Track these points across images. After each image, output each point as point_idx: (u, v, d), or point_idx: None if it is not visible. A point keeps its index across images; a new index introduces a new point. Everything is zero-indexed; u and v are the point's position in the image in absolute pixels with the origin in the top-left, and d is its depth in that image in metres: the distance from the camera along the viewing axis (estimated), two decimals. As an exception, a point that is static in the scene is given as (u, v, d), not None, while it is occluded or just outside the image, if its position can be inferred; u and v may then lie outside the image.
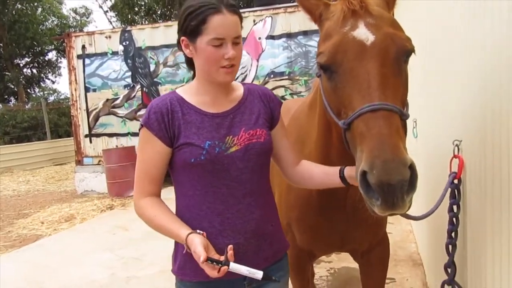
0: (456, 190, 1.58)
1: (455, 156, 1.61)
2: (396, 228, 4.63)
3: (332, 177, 1.44)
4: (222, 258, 1.25)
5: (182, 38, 1.41)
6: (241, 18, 1.42)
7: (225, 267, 1.24)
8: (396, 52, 1.19)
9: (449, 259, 1.60)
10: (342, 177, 1.41)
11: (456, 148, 1.62)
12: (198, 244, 1.25)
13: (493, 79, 1.21)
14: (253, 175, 1.45)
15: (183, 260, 1.45)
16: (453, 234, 1.59)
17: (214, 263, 1.23)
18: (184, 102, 1.44)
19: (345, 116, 1.20)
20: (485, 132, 1.32)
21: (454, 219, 1.58)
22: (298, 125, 1.89)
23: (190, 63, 1.49)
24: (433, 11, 2.33)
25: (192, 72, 1.53)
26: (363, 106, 1.12)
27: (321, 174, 1.48)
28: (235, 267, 1.25)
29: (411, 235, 4.36)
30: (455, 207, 1.58)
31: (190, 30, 1.36)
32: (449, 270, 1.62)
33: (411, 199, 1.06)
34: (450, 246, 1.60)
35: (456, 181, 1.58)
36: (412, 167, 1.03)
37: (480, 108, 1.36)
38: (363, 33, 1.20)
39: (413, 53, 1.24)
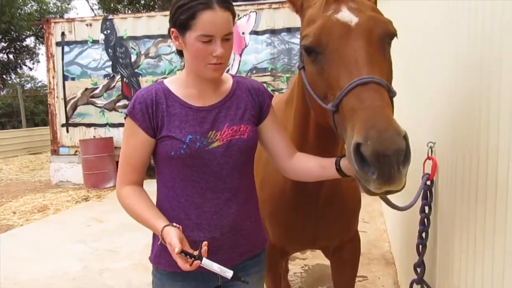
0: (428, 192, 1.61)
1: (428, 158, 1.64)
2: (371, 227, 4.71)
3: (328, 170, 1.43)
4: (196, 252, 1.25)
5: (172, 29, 1.38)
6: (233, 14, 1.38)
7: (198, 261, 1.24)
8: (380, 34, 1.20)
9: (419, 258, 1.63)
10: (338, 169, 1.40)
11: (430, 150, 1.65)
12: (173, 236, 1.25)
13: (464, 84, 1.24)
14: (233, 171, 1.45)
15: (159, 249, 1.47)
16: (423, 235, 1.62)
17: (188, 256, 1.24)
18: (170, 94, 1.43)
19: (332, 98, 1.17)
20: (456, 135, 1.34)
21: (425, 220, 1.61)
22: None
23: (181, 52, 1.47)
24: (408, 19, 2.36)
25: (182, 63, 1.52)
26: (352, 81, 1.10)
27: (317, 168, 1.47)
28: (207, 263, 1.26)
29: (385, 234, 4.44)
30: (426, 208, 1.61)
31: (180, 23, 1.33)
32: (418, 269, 1.65)
33: (406, 174, 1.03)
34: (420, 246, 1.63)
35: (429, 183, 1.61)
36: (405, 138, 1.00)
37: (453, 112, 1.39)
38: (346, 15, 1.21)
39: (395, 37, 1.25)
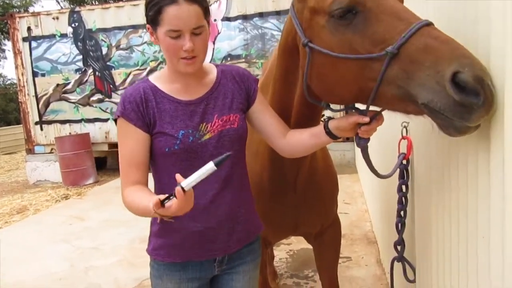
0: (404, 171, 1.64)
1: (403, 138, 1.67)
2: (353, 208, 4.79)
3: (319, 136, 1.42)
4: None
5: (147, 25, 1.39)
6: (203, 7, 1.34)
7: (178, 188, 1.14)
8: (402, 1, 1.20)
9: (399, 237, 1.67)
10: (328, 132, 1.38)
11: (405, 129, 1.68)
12: (154, 200, 1.18)
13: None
14: (227, 161, 1.45)
15: (156, 241, 1.49)
16: (402, 213, 1.66)
17: (170, 197, 1.15)
18: (157, 90, 1.44)
19: (384, 46, 1.07)
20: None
21: (403, 198, 1.65)
22: None
23: None
24: None
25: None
26: (414, 24, 1.03)
27: (309, 138, 1.46)
28: (188, 181, 1.16)
29: (366, 215, 4.52)
30: (403, 187, 1.65)
31: (150, 19, 1.34)
32: (398, 247, 1.69)
33: None
34: (399, 225, 1.67)
35: (404, 162, 1.64)
36: None
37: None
38: None
39: None
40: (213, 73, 1.52)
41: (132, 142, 1.41)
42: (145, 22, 1.39)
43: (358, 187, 5.55)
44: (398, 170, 1.64)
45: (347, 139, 6.86)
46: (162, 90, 1.44)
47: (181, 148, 1.39)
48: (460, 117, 0.94)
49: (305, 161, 1.73)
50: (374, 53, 1.09)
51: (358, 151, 6.08)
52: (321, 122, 1.44)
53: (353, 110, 1.32)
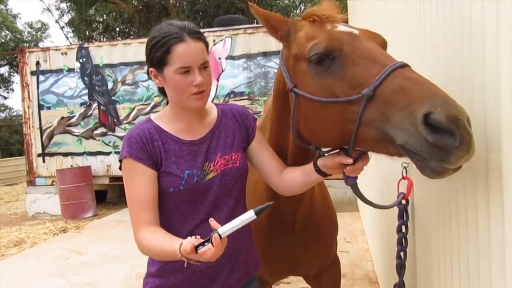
0: (404, 211, 1.64)
1: (403, 178, 1.68)
2: (354, 246, 4.72)
3: (311, 174, 1.44)
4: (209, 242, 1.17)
5: (151, 69, 1.42)
6: (206, 44, 1.43)
7: (216, 236, 1.14)
8: (380, 42, 1.25)
9: (399, 279, 1.65)
10: (317, 170, 1.40)
11: (405, 170, 1.69)
12: (185, 243, 1.17)
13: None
14: (229, 200, 1.48)
15: (154, 282, 1.48)
16: (402, 255, 1.64)
17: (205, 244, 1.14)
18: (161, 130, 1.45)
19: (360, 90, 1.09)
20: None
21: (402, 239, 1.63)
22: None
23: (162, 90, 1.49)
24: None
25: (166, 99, 1.53)
26: (388, 66, 1.05)
27: (300, 176, 1.48)
28: (225, 228, 1.16)
29: (367, 254, 4.45)
30: (403, 227, 1.64)
31: (156, 61, 1.37)
32: None
33: None
34: (399, 267, 1.65)
35: (404, 202, 1.64)
36: None
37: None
38: (347, 28, 1.25)
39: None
40: (213, 112, 1.56)
41: (143, 181, 1.39)
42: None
43: (359, 225, 5.49)
44: (397, 210, 1.63)
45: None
46: (166, 130, 1.46)
47: (186, 188, 1.40)
48: (439, 159, 0.93)
49: (303, 201, 1.72)
50: (351, 96, 1.11)
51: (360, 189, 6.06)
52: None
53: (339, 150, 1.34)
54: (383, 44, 1.28)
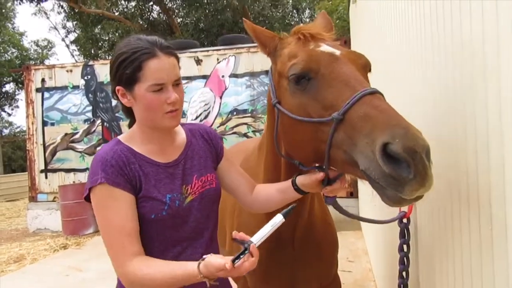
0: (405, 230, 1.63)
1: None
2: (356, 266, 4.67)
3: (288, 192, 1.43)
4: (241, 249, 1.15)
5: (117, 88, 1.30)
6: (178, 59, 1.34)
7: (254, 245, 1.12)
8: (362, 63, 1.27)
9: None
10: (296, 188, 1.39)
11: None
12: (213, 261, 1.12)
13: (437, 119, 1.30)
14: (208, 222, 1.43)
15: None
16: (404, 274, 1.62)
17: (240, 256, 1.12)
18: (135, 153, 1.33)
19: (331, 113, 1.13)
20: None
21: (404, 258, 1.62)
22: (248, 167, 1.91)
23: (127, 111, 1.39)
24: (387, 52, 2.46)
25: (129, 120, 1.43)
26: (358, 92, 1.09)
27: (276, 193, 1.46)
28: (258, 236, 1.14)
29: (370, 274, 4.40)
30: (405, 247, 1.62)
31: (126, 78, 1.26)
32: None
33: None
34: (402, 286, 1.63)
35: (405, 221, 1.63)
36: None
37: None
38: (329, 48, 1.28)
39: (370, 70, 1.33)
40: (182, 133, 1.48)
41: (123, 208, 1.25)
42: None
43: (362, 244, 5.43)
44: (399, 229, 1.63)
45: (351, 195, 6.81)
46: (139, 153, 1.33)
47: (168, 213, 1.30)
48: (394, 189, 0.96)
49: (302, 216, 1.71)
50: (324, 118, 1.16)
51: (362, 208, 6.02)
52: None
53: (316, 170, 1.36)
54: (365, 65, 1.30)
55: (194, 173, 1.41)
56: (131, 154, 1.32)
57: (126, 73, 1.26)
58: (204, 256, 1.17)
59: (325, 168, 1.26)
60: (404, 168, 0.92)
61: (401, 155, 0.91)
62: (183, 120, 1.47)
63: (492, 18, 0.82)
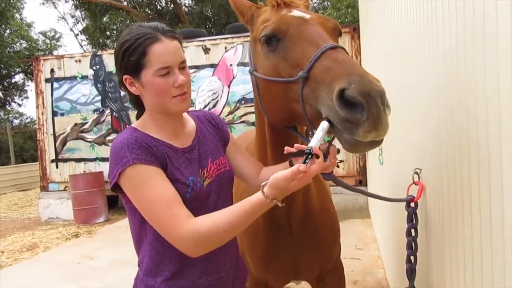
0: (413, 214, 1.61)
1: (415, 183, 1.67)
2: (365, 254, 4.68)
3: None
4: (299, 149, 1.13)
5: (125, 77, 1.30)
6: (180, 42, 1.34)
7: (316, 148, 1.10)
8: (331, 27, 1.33)
9: (410, 283, 1.61)
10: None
11: (416, 175, 1.68)
12: (278, 176, 1.09)
13: (452, 108, 1.28)
14: (226, 204, 1.41)
15: None
16: (412, 259, 1.61)
17: (306, 161, 1.09)
18: (154, 138, 1.32)
19: (299, 70, 1.20)
20: (442, 161, 1.38)
21: (412, 243, 1.61)
22: (250, 152, 1.94)
23: (135, 101, 1.39)
24: (397, 40, 2.43)
25: (137, 111, 1.43)
26: (321, 48, 1.16)
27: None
28: (314, 142, 1.11)
29: (379, 261, 4.41)
30: (413, 231, 1.61)
31: (132, 66, 1.27)
32: None
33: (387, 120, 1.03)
34: (410, 271, 1.62)
35: (413, 205, 1.62)
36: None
37: (439, 137, 1.43)
38: (300, 13, 1.35)
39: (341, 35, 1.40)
40: (190, 119, 1.49)
41: (160, 180, 1.24)
42: None
43: (370, 232, 5.44)
44: (406, 214, 1.62)
45: (360, 183, 6.81)
46: (157, 138, 1.33)
47: (192, 196, 1.30)
48: (349, 132, 1.03)
49: (296, 201, 1.71)
50: (292, 77, 1.23)
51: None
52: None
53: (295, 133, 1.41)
54: (334, 28, 1.36)
55: (208, 157, 1.43)
56: (151, 139, 1.32)
57: (132, 60, 1.26)
58: (263, 183, 1.15)
59: (310, 129, 1.26)
60: (359, 111, 0.99)
61: (356, 99, 0.98)
62: (191, 109, 1.47)
63: None
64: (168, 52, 1.26)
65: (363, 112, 0.98)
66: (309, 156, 1.10)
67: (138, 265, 1.43)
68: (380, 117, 0.98)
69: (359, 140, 1.03)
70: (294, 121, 1.38)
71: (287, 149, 1.15)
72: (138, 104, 1.40)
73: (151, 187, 1.22)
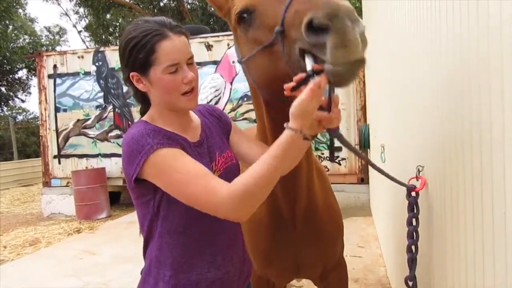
0: (414, 204, 1.59)
1: (416, 178, 1.66)
2: (367, 252, 4.68)
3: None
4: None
5: (132, 74, 1.29)
6: (187, 37, 1.33)
7: (314, 65, 1.07)
8: None
9: (410, 272, 1.58)
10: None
11: (418, 172, 1.68)
12: (294, 103, 1.06)
13: (453, 106, 1.28)
14: None
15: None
16: (413, 248, 1.58)
17: (311, 78, 1.05)
18: (167, 130, 1.32)
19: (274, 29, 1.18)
20: (445, 158, 1.37)
21: (413, 233, 1.58)
22: None
23: (142, 97, 1.38)
24: (400, 40, 2.43)
25: (141, 107, 1.42)
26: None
27: None
28: (309, 64, 1.09)
29: (380, 259, 4.41)
30: (414, 220, 1.59)
31: (140, 63, 1.25)
32: (410, 283, 1.58)
33: (363, 36, 1.01)
34: (411, 260, 1.59)
35: (414, 194, 1.59)
36: None
37: (441, 135, 1.43)
38: None
39: None
40: (193, 114, 1.48)
41: (187, 159, 1.22)
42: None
43: (372, 230, 5.44)
44: (407, 203, 1.61)
45: (362, 181, 6.80)
46: (169, 130, 1.32)
47: None
48: (321, 55, 1.02)
49: (300, 196, 1.71)
50: (271, 38, 1.21)
51: (373, 194, 6.01)
52: None
53: None
54: None
55: (215, 150, 1.43)
56: (166, 131, 1.31)
57: (140, 58, 1.25)
58: (285, 124, 1.11)
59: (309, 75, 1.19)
60: (324, 32, 0.98)
61: (323, 24, 0.97)
62: None
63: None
64: (176, 49, 1.26)
65: (329, 31, 0.96)
66: (313, 76, 1.06)
67: (145, 259, 1.43)
68: (346, 32, 0.95)
69: (334, 64, 0.98)
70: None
71: (286, 86, 1.12)
72: (143, 100, 1.39)
73: (179, 167, 1.19)
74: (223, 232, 1.38)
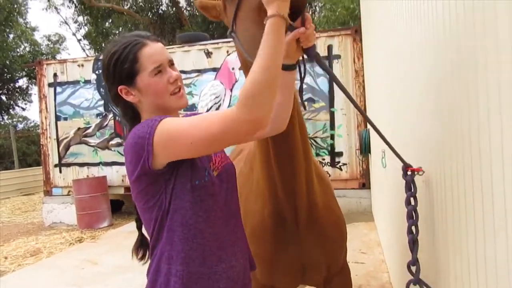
0: (411, 183, 1.57)
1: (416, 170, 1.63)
2: (369, 257, 4.66)
3: (283, 87, 1.35)
4: None
5: (120, 87, 1.35)
6: (164, 44, 1.43)
7: None
8: None
9: (413, 256, 1.53)
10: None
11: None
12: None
13: (451, 105, 1.28)
14: (233, 196, 1.48)
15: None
16: (413, 229, 1.55)
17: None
18: None
19: None
20: (443, 157, 1.37)
21: (413, 212, 1.55)
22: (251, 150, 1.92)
23: (131, 113, 1.42)
24: (400, 40, 2.43)
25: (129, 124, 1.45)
26: None
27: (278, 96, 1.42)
28: None
29: (383, 265, 4.38)
30: (412, 200, 1.57)
31: (126, 74, 1.32)
32: (413, 268, 1.54)
33: None
34: (412, 242, 1.55)
35: (409, 173, 1.58)
36: None
37: (438, 134, 1.42)
38: None
39: None
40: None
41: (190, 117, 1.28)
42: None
43: (374, 236, 5.41)
44: (404, 182, 1.60)
45: (363, 186, 6.78)
46: None
47: (209, 180, 1.35)
48: None
49: (301, 196, 1.72)
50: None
51: (374, 199, 5.99)
52: None
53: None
54: None
55: None
56: None
57: (125, 68, 1.31)
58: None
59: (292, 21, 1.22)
60: None
61: None
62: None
63: None
64: (157, 52, 1.34)
65: None
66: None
67: (152, 260, 1.42)
68: None
69: None
70: None
71: None
72: (135, 115, 1.42)
73: (183, 120, 1.24)
74: (224, 227, 1.41)
